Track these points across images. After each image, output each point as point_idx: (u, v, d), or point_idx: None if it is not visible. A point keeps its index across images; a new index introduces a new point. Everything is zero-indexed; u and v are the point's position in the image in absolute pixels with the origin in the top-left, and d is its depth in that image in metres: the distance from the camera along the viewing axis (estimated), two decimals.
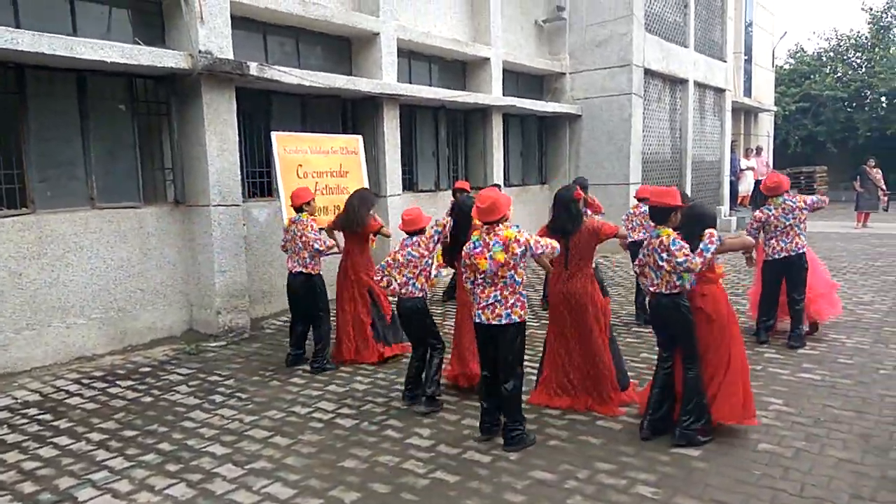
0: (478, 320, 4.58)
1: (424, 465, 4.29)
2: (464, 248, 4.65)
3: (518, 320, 4.49)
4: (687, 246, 4.37)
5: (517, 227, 4.53)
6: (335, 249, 6.43)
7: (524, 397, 4.89)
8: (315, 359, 6.32)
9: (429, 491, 3.97)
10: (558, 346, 5.21)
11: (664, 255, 4.42)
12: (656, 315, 4.68)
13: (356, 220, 6.51)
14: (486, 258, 4.44)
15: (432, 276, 5.41)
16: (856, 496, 3.78)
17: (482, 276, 4.48)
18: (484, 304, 4.50)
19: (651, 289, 4.62)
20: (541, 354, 5.51)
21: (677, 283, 4.45)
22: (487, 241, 4.47)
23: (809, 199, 6.83)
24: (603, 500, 3.82)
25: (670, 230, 4.50)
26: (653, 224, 4.69)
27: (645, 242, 4.69)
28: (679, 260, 4.33)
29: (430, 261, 5.27)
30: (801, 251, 6.69)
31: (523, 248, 4.40)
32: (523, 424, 4.57)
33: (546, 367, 5.32)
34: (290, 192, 7.14)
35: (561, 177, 13.96)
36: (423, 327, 5.35)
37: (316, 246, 6.18)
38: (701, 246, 4.37)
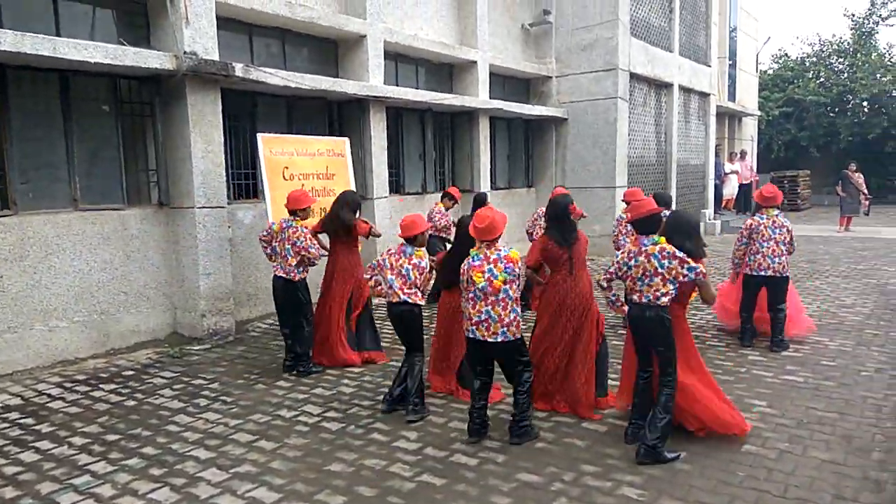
0: (471, 336, 4.61)
1: (411, 469, 4.28)
2: (463, 263, 4.67)
3: (512, 338, 4.54)
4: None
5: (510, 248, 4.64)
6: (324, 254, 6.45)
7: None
8: (300, 362, 6.29)
9: (415, 494, 3.96)
10: (542, 356, 5.17)
11: (665, 262, 4.31)
12: (639, 327, 4.50)
13: (341, 224, 6.49)
14: (482, 272, 4.49)
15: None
16: (838, 497, 3.82)
17: (475, 290, 4.51)
18: (476, 319, 4.54)
19: (634, 297, 4.46)
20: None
21: (672, 289, 4.33)
22: (489, 255, 4.52)
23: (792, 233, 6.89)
24: (588, 501, 3.83)
25: (664, 238, 4.44)
26: (640, 234, 4.54)
27: (628, 251, 4.55)
28: (694, 266, 4.30)
29: (420, 286, 5.25)
30: (786, 274, 6.77)
31: (521, 267, 4.56)
32: (530, 417, 4.66)
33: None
34: (275, 194, 7.11)
35: (547, 180, 14.04)
36: (412, 335, 5.29)
37: (314, 261, 6.18)
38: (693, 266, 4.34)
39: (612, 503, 3.81)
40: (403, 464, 4.36)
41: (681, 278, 4.32)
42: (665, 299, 4.35)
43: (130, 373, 6.41)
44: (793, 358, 6.45)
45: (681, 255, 4.33)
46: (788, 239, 6.78)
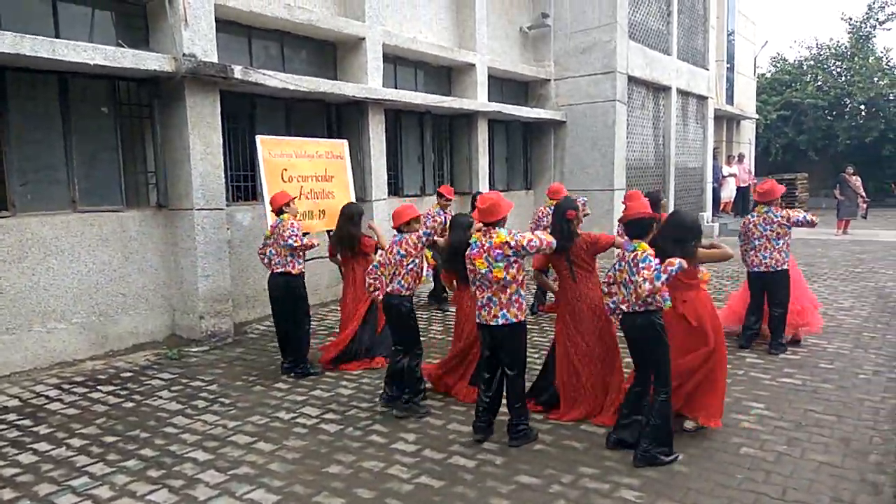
0: (478, 320, 4.66)
1: (409, 471, 4.28)
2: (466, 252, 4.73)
3: (514, 321, 4.52)
4: (656, 265, 4.14)
5: (506, 230, 4.55)
6: (315, 251, 6.45)
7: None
8: (297, 363, 6.28)
9: (414, 496, 3.96)
10: (573, 359, 5.08)
11: (636, 270, 4.22)
12: (629, 334, 4.42)
13: (347, 238, 6.54)
14: (482, 259, 4.50)
15: (422, 275, 5.38)
16: (836, 499, 3.83)
17: (479, 277, 4.55)
18: (480, 303, 4.59)
19: (623, 307, 4.40)
20: (543, 368, 5.43)
21: (651, 299, 4.22)
22: (483, 242, 4.53)
23: (795, 216, 6.67)
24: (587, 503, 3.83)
25: (647, 245, 4.31)
26: (628, 238, 4.47)
27: (617, 256, 4.50)
28: (638, 279, 4.13)
29: (417, 261, 5.24)
30: (779, 268, 6.70)
31: (514, 251, 4.44)
32: (528, 420, 4.66)
33: (559, 380, 5.20)
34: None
35: (546, 182, 13.98)
36: (405, 328, 5.30)
37: (290, 242, 6.08)
38: (654, 273, 4.11)
39: None
40: (402, 466, 4.36)
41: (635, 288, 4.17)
42: (651, 306, 4.28)
43: (129, 374, 6.40)
44: (791, 360, 6.46)
45: (646, 263, 4.15)
46: (783, 233, 6.65)
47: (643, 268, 4.14)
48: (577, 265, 5.07)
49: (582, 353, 5.05)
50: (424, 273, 5.46)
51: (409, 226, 5.30)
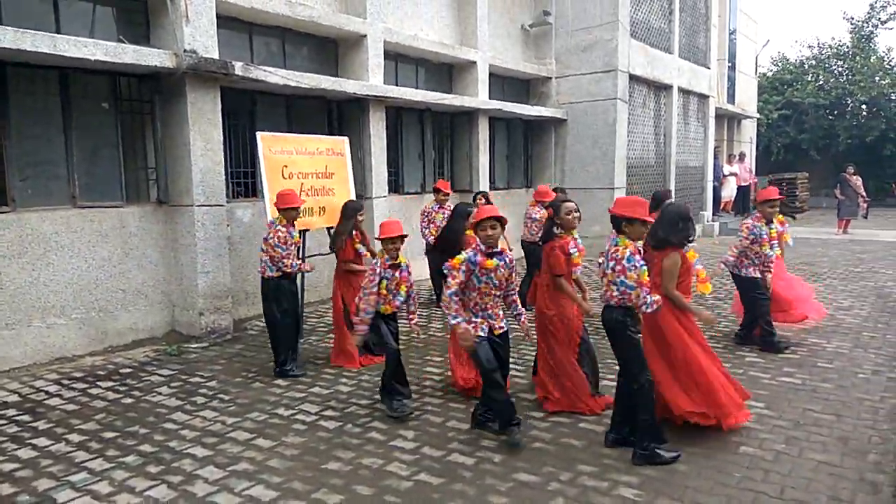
0: None
1: (408, 468, 4.29)
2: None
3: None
4: (642, 268, 4.22)
5: (472, 252, 4.51)
6: (306, 268, 6.53)
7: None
8: (275, 363, 6.28)
9: (412, 493, 3.97)
10: (544, 351, 5.30)
11: (612, 263, 4.27)
12: (604, 325, 4.46)
13: (333, 239, 6.69)
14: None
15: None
16: (834, 498, 3.83)
17: None
18: None
19: (604, 299, 4.43)
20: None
21: (616, 292, 4.28)
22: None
23: (748, 230, 6.65)
24: (586, 501, 3.83)
25: (630, 242, 4.31)
26: (615, 232, 4.43)
27: (602, 253, 4.52)
28: (628, 282, 4.20)
29: (381, 282, 5.24)
30: (734, 271, 6.85)
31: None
32: (520, 424, 4.63)
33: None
34: (275, 193, 7.11)
35: (546, 181, 14.00)
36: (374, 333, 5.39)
37: (284, 269, 6.08)
38: (647, 297, 4.23)
39: (609, 503, 3.82)
40: (401, 463, 4.36)
41: (621, 288, 4.24)
42: (625, 303, 4.29)
43: (128, 370, 6.40)
44: (790, 360, 6.46)
45: (630, 263, 4.20)
46: (745, 237, 6.71)
47: (630, 266, 4.22)
48: (542, 263, 5.32)
49: (543, 350, 5.35)
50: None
51: (382, 243, 5.22)
